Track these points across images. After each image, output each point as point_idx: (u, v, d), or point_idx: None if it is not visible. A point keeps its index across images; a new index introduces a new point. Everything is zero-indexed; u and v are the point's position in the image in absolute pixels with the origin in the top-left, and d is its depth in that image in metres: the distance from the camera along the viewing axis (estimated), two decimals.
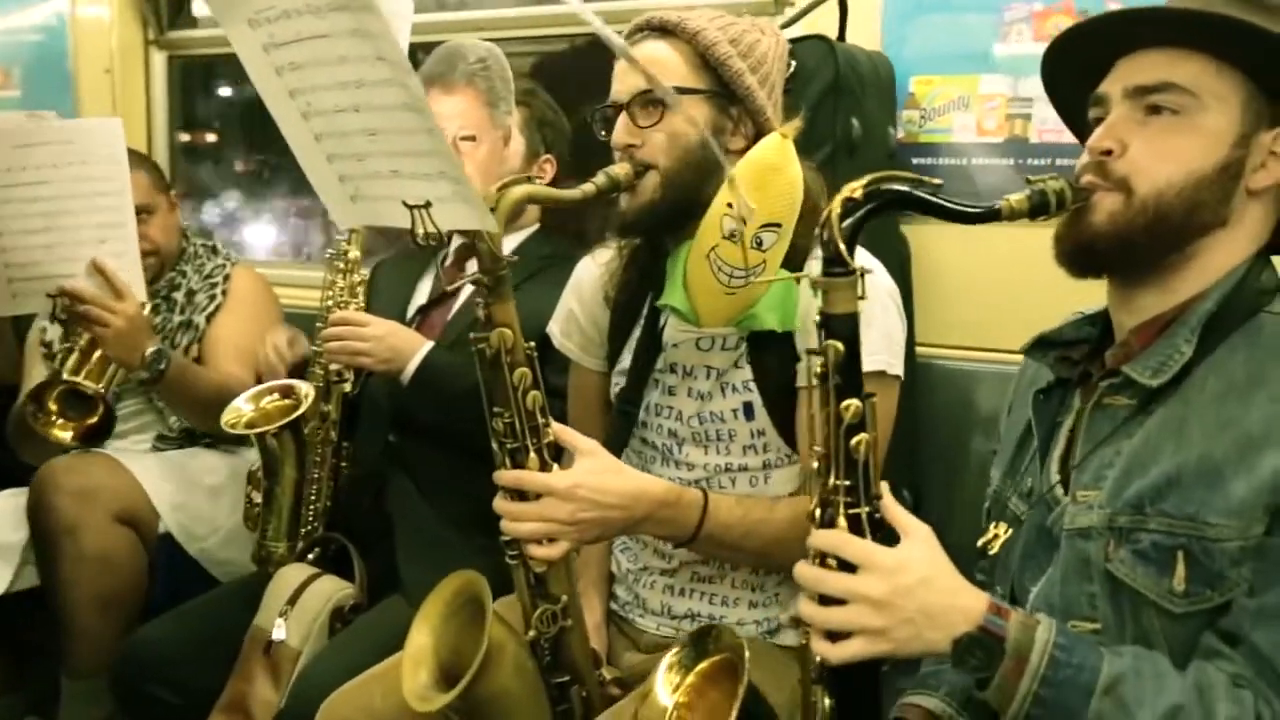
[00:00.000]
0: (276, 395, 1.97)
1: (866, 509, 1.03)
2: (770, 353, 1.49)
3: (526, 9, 2.60)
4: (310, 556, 1.93)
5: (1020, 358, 1.29)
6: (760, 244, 1.40)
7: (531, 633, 1.40)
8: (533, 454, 1.35)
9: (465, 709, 1.33)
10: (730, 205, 1.39)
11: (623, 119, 1.49)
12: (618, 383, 1.63)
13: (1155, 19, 1.10)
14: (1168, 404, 1.07)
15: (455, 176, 1.13)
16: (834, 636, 1.02)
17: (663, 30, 1.48)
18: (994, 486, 1.28)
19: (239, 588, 1.98)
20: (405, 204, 1.20)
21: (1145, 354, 1.09)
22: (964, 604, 1.00)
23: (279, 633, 1.75)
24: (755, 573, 1.55)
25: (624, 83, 1.50)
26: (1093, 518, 1.07)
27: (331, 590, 1.81)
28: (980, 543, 1.21)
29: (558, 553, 1.35)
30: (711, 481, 1.53)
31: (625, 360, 1.63)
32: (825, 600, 1.03)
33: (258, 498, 1.95)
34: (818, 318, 1.03)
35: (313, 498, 1.96)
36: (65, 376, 2.05)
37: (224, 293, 2.31)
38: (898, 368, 1.48)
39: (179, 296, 2.31)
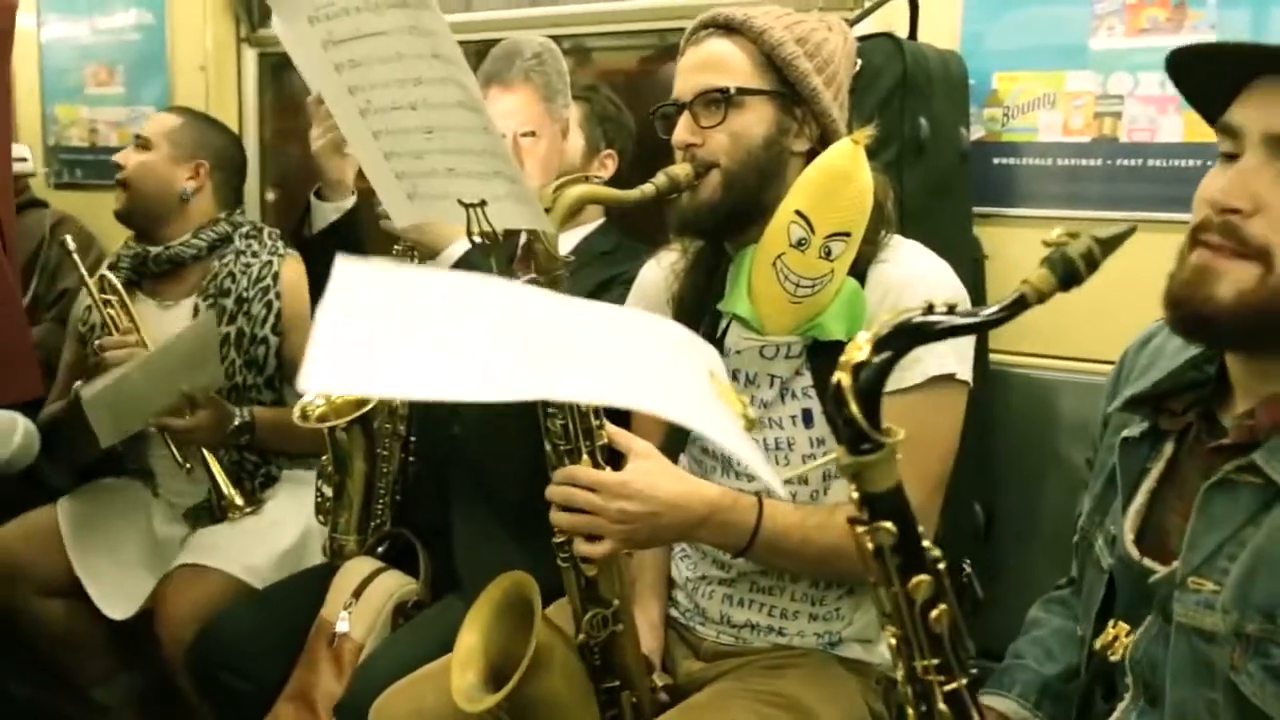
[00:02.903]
0: None
1: (964, 680, 0.90)
2: (831, 359, 1.44)
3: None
4: (379, 550, 1.96)
5: (1101, 366, 1.21)
6: (829, 253, 1.36)
7: (581, 636, 1.39)
8: (585, 456, 1.33)
9: (513, 710, 1.32)
10: (798, 213, 1.36)
11: (685, 118, 1.47)
12: None
13: None
14: None
15: (511, 176, 1.13)
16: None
17: (727, 28, 1.45)
18: (1082, 521, 1.19)
19: (310, 578, 2.01)
20: (461, 202, 1.20)
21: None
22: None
23: (343, 625, 1.77)
24: (816, 586, 1.51)
25: (687, 81, 1.47)
26: (1218, 621, 0.95)
27: (395, 585, 1.83)
28: (1100, 645, 1.10)
29: (604, 551, 1.33)
30: (767, 493, 1.49)
31: None
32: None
33: (329, 491, 1.96)
34: (856, 495, 0.88)
35: (382, 491, 1.98)
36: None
37: (278, 295, 2.28)
38: (966, 373, 1.42)
39: (229, 304, 2.27)
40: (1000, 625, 1.74)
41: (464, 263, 1.74)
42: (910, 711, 0.90)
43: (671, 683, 1.53)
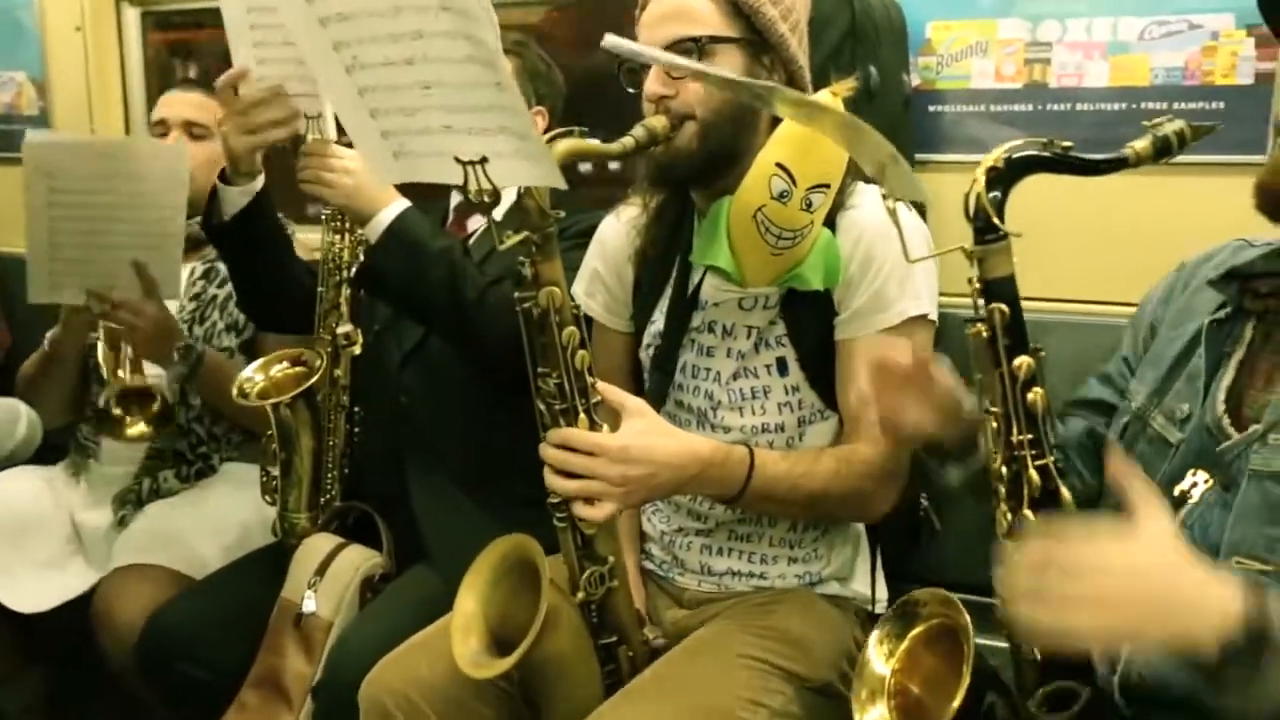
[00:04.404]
0: (286, 363, 1.92)
1: (1051, 459, 1.05)
2: (805, 308, 1.48)
3: None
4: (334, 526, 1.90)
5: (1099, 308, 1.30)
6: (810, 205, 1.38)
7: (580, 595, 1.38)
8: (582, 415, 1.32)
9: (521, 673, 1.31)
10: (780, 165, 1.36)
11: (655, 70, 1.45)
12: (650, 343, 1.61)
13: None
14: None
15: (520, 132, 1.09)
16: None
17: None
18: (1137, 404, 1.26)
19: (258, 560, 1.95)
20: (458, 160, 1.16)
21: None
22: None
23: (309, 604, 1.72)
24: (793, 528, 1.55)
25: (655, 33, 1.45)
26: None
27: (360, 560, 1.78)
28: (1177, 491, 1.18)
29: (604, 514, 1.32)
30: (748, 443, 1.51)
31: (658, 320, 1.60)
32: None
33: (274, 470, 1.90)
34: (977, 285, 1.05)
35: (330, 465, 1.92)
36: (121, 384, 2.08)
37: None
38: (935, 313, 1.48)
39: (225, 269, 2.17)
40: (953, 558, 1.82)
41: (396, 227, 1.71)
42: (1001, 488, 1.07)
43: (661, 634, 1.55)
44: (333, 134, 1.79)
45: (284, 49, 1.76)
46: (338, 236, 1.95)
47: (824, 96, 1.35)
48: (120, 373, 2.08)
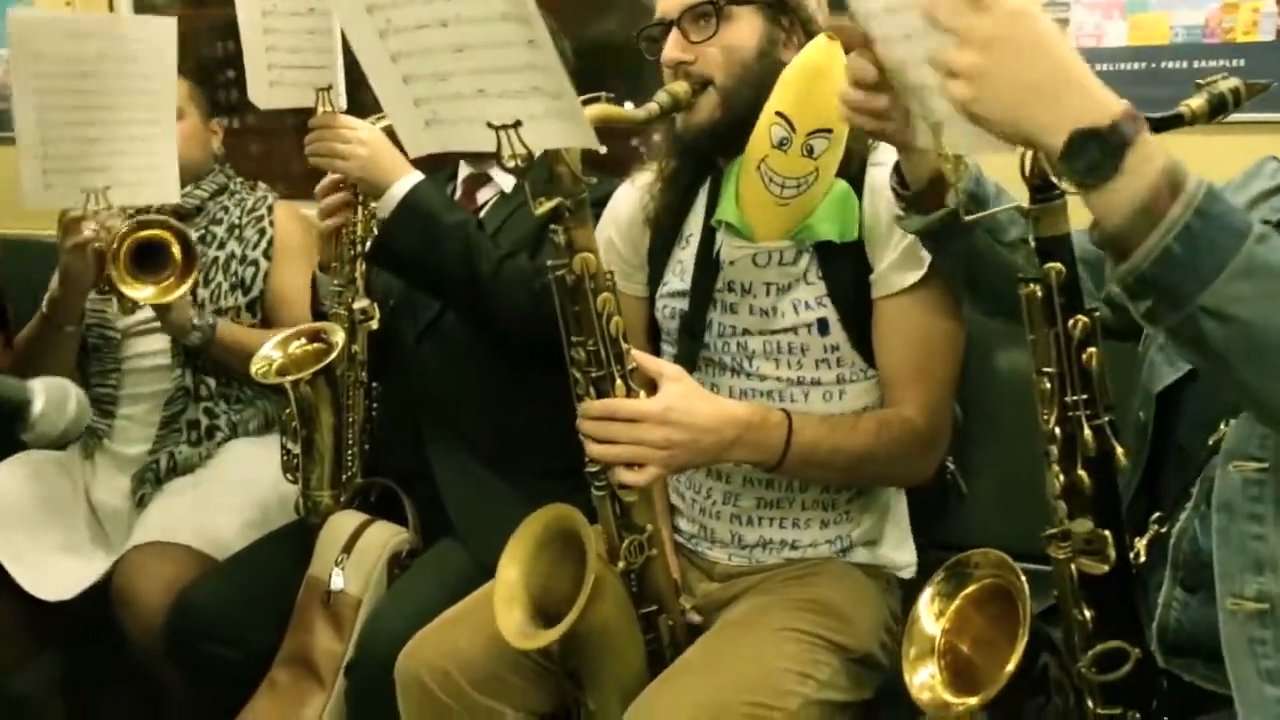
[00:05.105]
0: (304, 340, 1.89)
1: (1107, 418, 1.03)
2: (841, 266, 1.47)
3: None
4: (357, 503, 1.89)
5: None
6: (811, 151, 1.37)
7: (621, 564, 1.38)
8: (620, 381, 1.31)
9: (566, 642, 1.31)
10: (778, 113, 1.35)
11: (674, 35, 1.44)
12: (664, 304, 1.60)
13: None
14: None
15: (554, 91, 1.07)
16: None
17: None
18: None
19: (283, 538, 1.93)
20: (490, 125, 1.14)
21: None
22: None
23: (338, 581, 1.71)
24: (825, 490, 1.54)
25: None
26: None
27: (387, 536, 1.76)
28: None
29: (647, 478, 1.31)
30: (784, 395, 1.50)
31: (671, 282, 1.59)
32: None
33: (295, 448, 1.87)
34: (1032, 243, 1.02)
35: (350, 442, 1.90)
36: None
37: (272, 224, 2.24)
38: None
39: (220, 231, 2.22)
40: (974, 521, 1.81)
41: (410, 200, 1.69)
42: (1054, 449, 1.04)
43: (698, 603, 1.55)
44: (344, 106, 1.77)
45: (292, 19, 1.74)
46: (350, 211, 1.92)
47: (819, 40, 1.34)
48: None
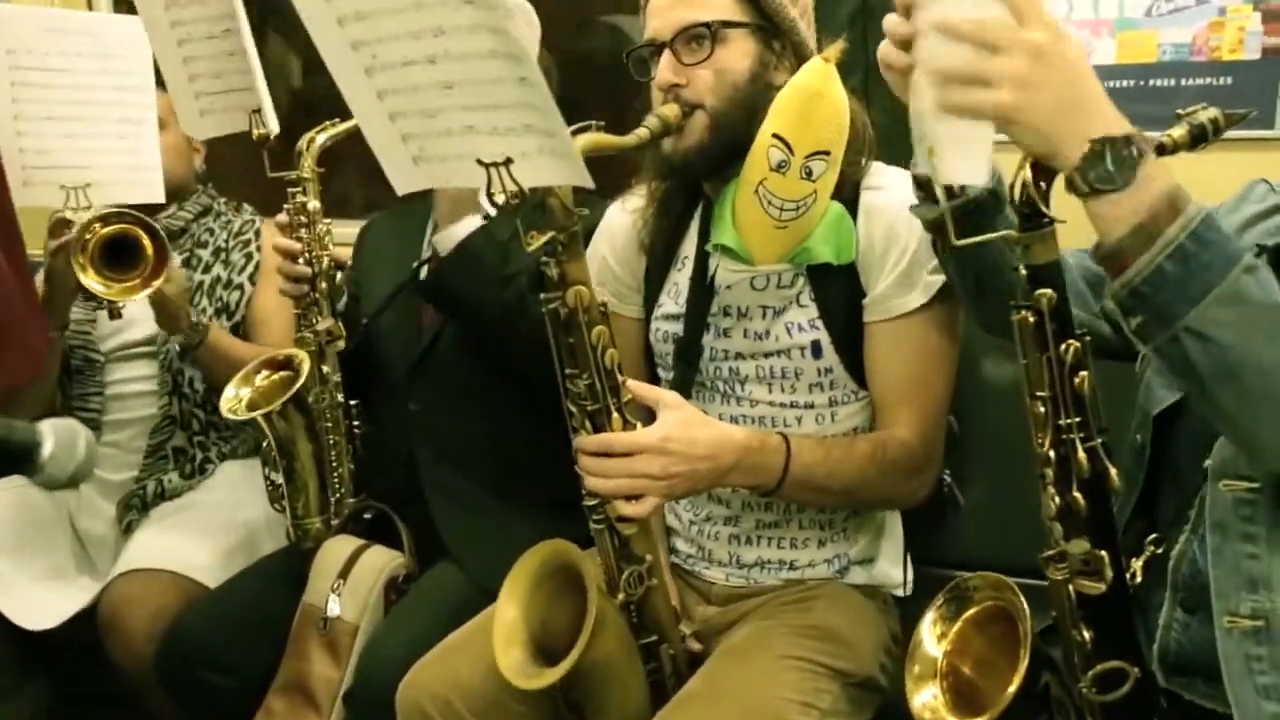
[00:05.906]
0: (269, 371, 1.87)
1: (1100, 440, 1.05)
2: (834, 289, 1.46)
3: None
4: (350, 527, 1.87)
5: None
6: (810, 173, 1.36)
7: (621, 596, 1.37)
8: (615, 414, 1.30)
9: (569, 677, 1.30)
10: (776, 135, 1.34)
11: (666, 57, 1.43)
12: (658, 327, 1.59)
13: None
14: None
15: (548, 129, 1.06)
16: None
17: None
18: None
19: (274, 565, 1.91)
20: (480, 162, 1.12)
21: None
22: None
23: (334, 608, 1.69)
24: (822, 510, 1.54)
25: (665, 19, 1.43)
26: None
27: (383, 561, 1.75)
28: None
29: (647, 509, 1.31)
30: (776, 419, 1.50)
31: (666, 304, 1.58)
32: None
33: (278, 478, 1.84)
34: (1023, 271, 1.03)
35: (334, 465, 1.88)
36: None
37: (259, 248, 2.20)
38: None
39: (205, 254, 2.19)
40: (971, 533, 1.81)
41: (468, 244, 1.65)
42: (1049, 471, 1.06)
43: (697, 630, 1.54)
44: (275, 127, 1.73)
45: (209, 44, 1.70)
46: (301, 230, 1.84)
47: (814, 62, 1.34)
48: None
